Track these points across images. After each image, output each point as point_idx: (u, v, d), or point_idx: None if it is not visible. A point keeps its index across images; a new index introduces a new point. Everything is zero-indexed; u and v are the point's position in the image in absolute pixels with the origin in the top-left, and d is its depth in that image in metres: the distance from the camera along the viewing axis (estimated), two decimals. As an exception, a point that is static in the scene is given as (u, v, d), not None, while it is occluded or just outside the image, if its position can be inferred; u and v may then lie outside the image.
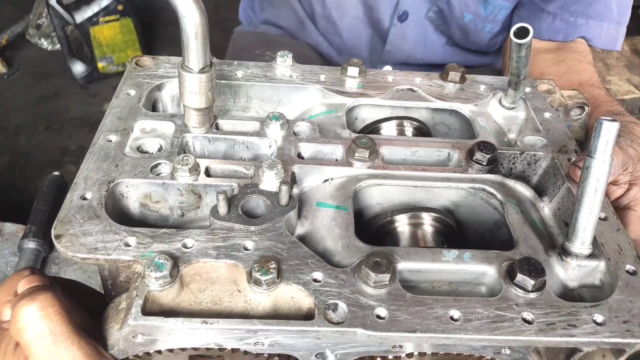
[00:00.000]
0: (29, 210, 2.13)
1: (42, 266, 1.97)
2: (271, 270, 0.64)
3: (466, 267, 0.71)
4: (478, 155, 0.84)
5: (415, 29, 1.54)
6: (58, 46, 3.63)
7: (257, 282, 0.63)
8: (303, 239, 0.76)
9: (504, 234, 0.86)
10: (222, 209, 0.72)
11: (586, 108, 1.06)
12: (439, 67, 1.58)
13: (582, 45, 1.42)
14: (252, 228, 0.71)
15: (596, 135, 0.67)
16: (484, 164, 0.84)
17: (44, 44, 3.85)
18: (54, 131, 3.30)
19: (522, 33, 0.80)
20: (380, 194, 0.85)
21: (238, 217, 0.73)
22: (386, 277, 0.64)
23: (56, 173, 2.37)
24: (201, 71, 0.77)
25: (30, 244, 1.93)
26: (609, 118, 0.67)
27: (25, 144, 3.18)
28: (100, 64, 3.57)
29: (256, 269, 0.64)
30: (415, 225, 0.84)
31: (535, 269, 0.66)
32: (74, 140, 3.24)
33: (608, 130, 0.66)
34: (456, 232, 0.86)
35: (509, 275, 0.68)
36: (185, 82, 0.78)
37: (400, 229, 0.84)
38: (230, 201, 0.74)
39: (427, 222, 0.84)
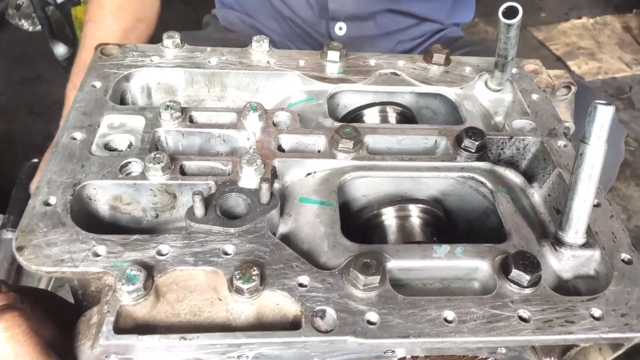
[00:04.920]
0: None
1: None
2: (253, 278, 0.60)
3: (458, 263, 0.67)
4: (466, 143, 0.80)
5: None
6: (39, 27, 3.48)
7: (239, 291, 0.59)
8: (286, 238, 0.72)
9: (493, 221, 0.83)
10: (199, 210, 0.67)
11: (572, 88, 1.03)
12: (394, 12, 1.42)
13: None
14: (232, 230, 0.67)
15: (590, 121, 0.64)
16: (473, 151, 0.80)
17: (25, 24, 3.71)
18: (36, 115, 3.19)
19: (510, 12, 0.76)
20: (365, 186, 0.82)
21: (216, 218, 0.68)
22: (376, 279, 0.61)
23: (35, 160, 2.27)
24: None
25: (9, 234, 1.87)
26: (604, 102, 0.63)
27: (6, 129, 3.07)
28: (82, 46, 3.44)
29: (237, 276, 0.59)
30: (403, 218, 0.80)
31: (531, 264, 0.63)
32: (57, 124, 3.14)
33: (603, 115, 0.63)
34: (445, 222, 0.83)
35: (503, 270, 0.65)
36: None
37: (388, 222, 0.80)
38: (208, 201, 0.70)
39: (415, 214, 0.81)
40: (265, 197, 0.69)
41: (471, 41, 1.64)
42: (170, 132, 0.80)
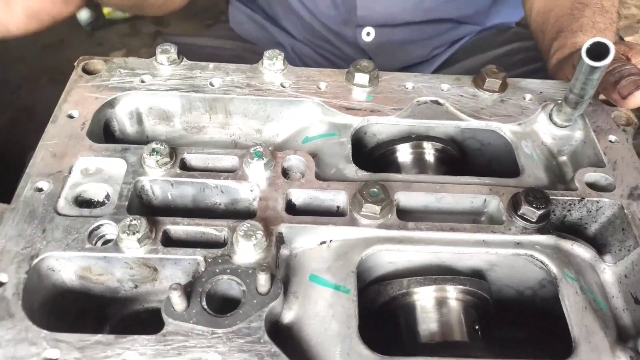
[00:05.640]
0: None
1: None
2: (239, 417, 0.46)
3: (510, 390, 0.52)
4: (525, 210, 0.63)
5: None
6: (63, -9, 3.36)
7: None
8: (290, 329, 0.58)
9: (548, 291, 0.68)
10: (179, 306, 0.53)
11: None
12: (431, 22, 1.22)
13: None
14: (220, 331, 0.53)
15: None
16: (533, 221, 0.63)
17: None
18: (59, 83, 3.08)
19: (597, 51, 0.57)
20: (394, 253, 0.66)
21: (200, 314, 0.54)
22: (400, 423, 0.46)
23: None
24: None
25: None
26: None
27: (27, 98, 2.95)
28: (105, 10, 3.26)
29: (219, 414, 0.46)
30: (440, 301, 0.64)
31: (610, 410, 0.47)
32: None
33: None
34: (491, 303, 0.67)
35: (571, 410, 0.49)
36: None
37: (421, 304, 0.65)
38: (193, 286, 0.55)
39: (454, 295, 0.65)
40: (263, 288, 0.55)
41: (524, 33, 1.41)
42: (156, 181, 0.66)
